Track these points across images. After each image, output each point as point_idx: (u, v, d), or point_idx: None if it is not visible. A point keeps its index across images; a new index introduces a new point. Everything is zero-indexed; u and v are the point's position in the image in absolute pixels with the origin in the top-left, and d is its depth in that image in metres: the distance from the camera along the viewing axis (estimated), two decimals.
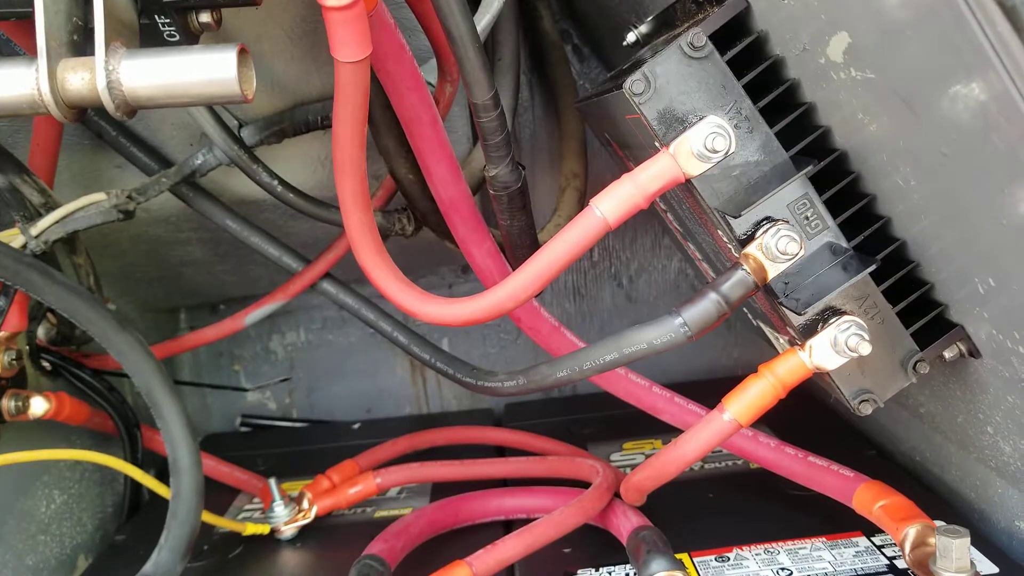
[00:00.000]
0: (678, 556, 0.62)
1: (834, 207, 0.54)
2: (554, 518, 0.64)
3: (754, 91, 0.52)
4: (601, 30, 0.88)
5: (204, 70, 0.39)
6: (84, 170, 0.73)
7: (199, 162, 0.67)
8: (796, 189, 0.52)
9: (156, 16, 0.42)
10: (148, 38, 0.43)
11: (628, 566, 0.64)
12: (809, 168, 0.51)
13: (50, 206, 0.67)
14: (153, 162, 0.70)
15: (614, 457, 0.86)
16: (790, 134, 0.53)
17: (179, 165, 0.68)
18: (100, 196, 0.66)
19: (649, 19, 0.63)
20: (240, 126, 0.66)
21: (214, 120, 0.63)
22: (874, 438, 0.85)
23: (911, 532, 0.56)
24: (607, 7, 0.80)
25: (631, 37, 0.65)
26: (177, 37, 0.43)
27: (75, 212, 0.66)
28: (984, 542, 0.62)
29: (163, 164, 0.70)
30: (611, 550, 0.66)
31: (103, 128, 0.68)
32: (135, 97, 0.41)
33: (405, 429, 0.92)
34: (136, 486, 0.89)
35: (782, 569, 0.62)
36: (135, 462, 0.84)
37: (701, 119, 0.50)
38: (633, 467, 0.82)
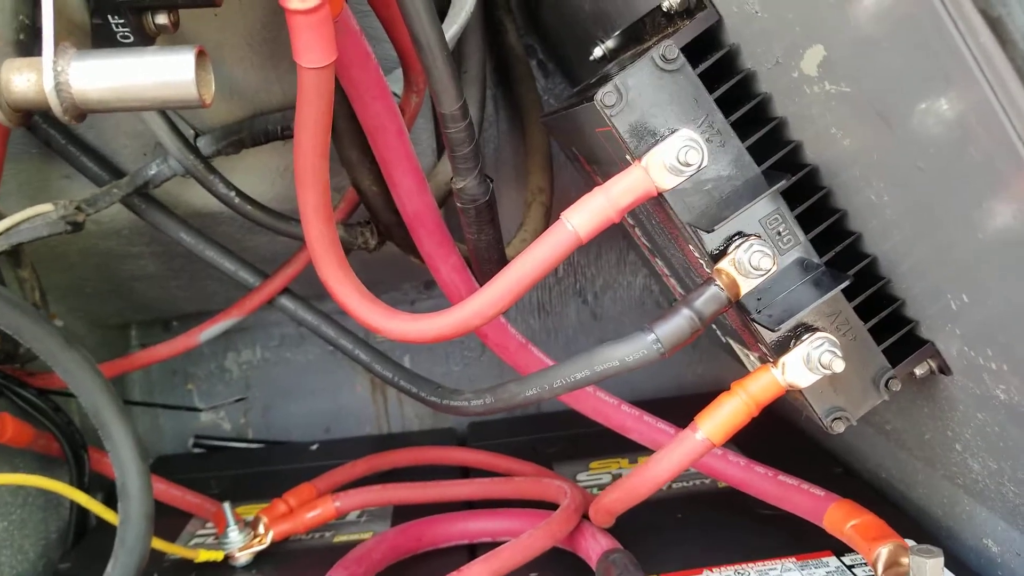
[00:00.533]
0: None
1: (805, 222, 0.53)
2: (521, 542, 0.62)
3: (724, 105, 0.51)
4: (566, 45, 0.87)
5: (160, 72, 0.37)
6: (31, 180, 0.70)
7: (153, 172, 0.64)
8: (768, 204, 0.52)
9: (109, 16, 0.40)
10: (101, 39, 0.41)
11: None
12: (781, 183, 0.50)
13: None
14: (104, 172, 0.67)
15: (580, 477, 0.84)
16: (762, 148, 0.52)
17: (131, 175, 0.65)
18: (47, 207, 0.63)
19: (616, 33, 0.62)
20: (196, 135, 0.63)
21: (169, 128, 0.61)
22: (840, 455, 0.85)
23: (883, 552, 0.55)
24: (573, 21, 0.79)
25: (598, 52, 0.64)
26: (131, 39, 0.41)
27: (20, 223, 0.63)
28: (953, 560, 0.62)
29: (115, 174, 0.67)
30: (580, 574, 0.64)
31: (51, 136, 0.65)
32: (85, 100, 0.39)
33: (365, 450, 0.90)
34: (83, 511, 0.85)
35: None
36: (81, 486, 0.81)
37: (673, 132, 0.49)
38: (600, 487, 0.81)
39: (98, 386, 0.61)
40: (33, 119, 0.62)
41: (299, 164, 0.48)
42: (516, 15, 0.90)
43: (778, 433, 0.88)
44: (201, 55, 0.38)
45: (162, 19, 0.41)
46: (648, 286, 1.06)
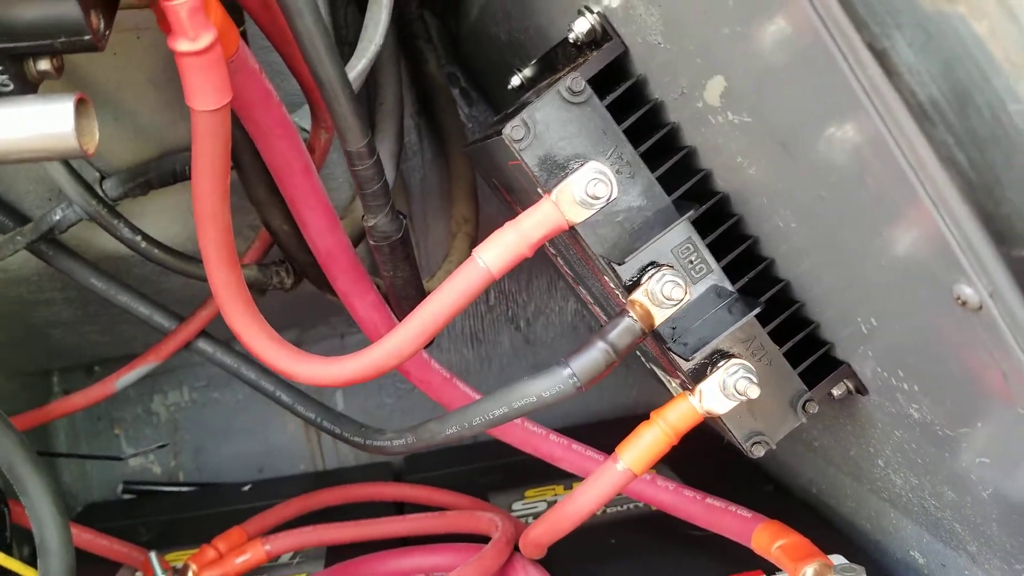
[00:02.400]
0: None
1: (719, 249, 0.53)
2: None
3: (636, 135, 0.52)
4: (487, 73, 0.87)
5: (38, 123, 0.36)
6: None
7: (58, 218, 0.62)
8: (679, 233, 0.52)
9: None
10: None
11: None
12: (691, 212, 0.50)
13: None
14: (7, 219, 0.64)
15: (516, 506, 0.84)
16: (673, 178, 0.52)
17: (36, 222, 0.63)
18: None
19: (532, 63, 0.62)
20: (102, 178, 0.62)
21: (69, 173, 0.59)
22: (772, 472, 0.85)
23: (808, 572, 0.56)
24: (492, 51, 0.79)
25: (516, 81, 0.64)
26: (12, 87, 0.39)
27: None
28: (881, 573, 0.62)
29: (19, 220, 0.65)
30: None
31: None
32: None
33: (300, 488, 0.88)
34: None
35: None
36: (2, 541, 0.77)
37: (582, 165, 0.49)
38: (536, 515, 0.80)
39: (10, 440, 0.58)
40: None
41: (198, 209, 0.47)
42: (437, 44, 0.90)
43: (710, 451, 0.87)
44: (81, 103, 0.36)
45: (44, 65, 0.39)
46: (580, 310, 1.06)
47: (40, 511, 0.59)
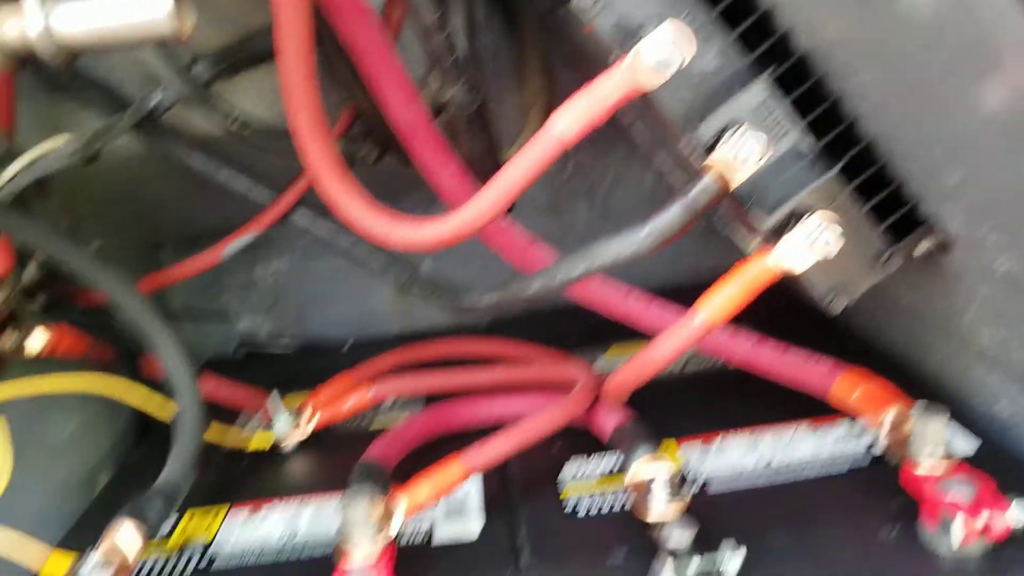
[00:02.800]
0: (665, 442, 0.63)
1: (801, 110, 0.53)
2: (541, 417, 0.64)
3: None
4: None
5: (139, 10, 0.38)
6: (44, 116, 0.71)
7: (156, 101, 0.66)
8: (758, 93, 0.51)
9: None
10: None
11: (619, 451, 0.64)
12: (769, 71, 0.50)
13: (13, 154, 0.66)
14: (111, 103, 0.68)
15: (599, 362, 0.86)
16: (752, 38, 0.51)
17: (136, 105, 0.66)
18: (61, 141, 0.65)
19: None
20: (193, 62, 0.64)
21: (162, 59, 0.61)
22: (858, 331, 0.85)
23: (889, 415, 0.57)
24: None
25: None
26: None
27: (38, 159, 0.65)
28: (965, 426, 0.63)
29: (122, 104, 0.68)
30: (600, 445, 0.67)
31: (58, 72, 0.66)
32: (71, 44, 0.40)
33: (394, 347, 0.92)
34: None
35: (764, 454, 0.62)
36: None
37: (656, 29, 0.48)
38: None
39: (137, 301, 0.66)
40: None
41: (286, 87, 0.48)
42: None
43: (795, 310, 0.88)
44: None
45: None
46: (658, 180, 1.04)
47: (168, 359, 0.67)
